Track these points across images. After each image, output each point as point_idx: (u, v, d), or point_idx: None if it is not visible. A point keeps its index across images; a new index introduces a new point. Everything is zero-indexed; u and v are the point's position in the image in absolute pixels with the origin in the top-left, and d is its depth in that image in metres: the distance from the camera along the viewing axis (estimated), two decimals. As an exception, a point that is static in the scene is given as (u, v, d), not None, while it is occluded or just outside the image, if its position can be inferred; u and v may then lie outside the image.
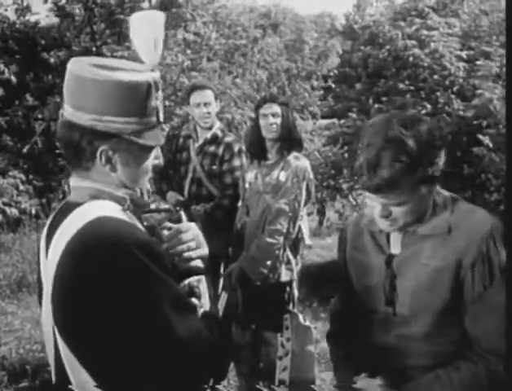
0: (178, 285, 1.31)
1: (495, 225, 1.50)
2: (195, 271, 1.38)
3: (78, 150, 1.30)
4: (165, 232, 1.43)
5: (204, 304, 1.35)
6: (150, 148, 1.37)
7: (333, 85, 11.13)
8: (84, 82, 1.28)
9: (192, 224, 1.45)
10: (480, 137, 6.73)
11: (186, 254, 1.38)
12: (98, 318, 1.19)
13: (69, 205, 1.33)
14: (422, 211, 1.54)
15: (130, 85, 1.29)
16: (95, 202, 1.30)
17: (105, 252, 1.19)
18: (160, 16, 1.46)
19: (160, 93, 1.37)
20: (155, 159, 1.41)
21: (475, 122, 6.90)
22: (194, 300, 1.34)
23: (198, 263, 1.40)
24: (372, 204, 1.54)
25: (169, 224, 1.45)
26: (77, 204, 1.30)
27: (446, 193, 1.61)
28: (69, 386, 1.26)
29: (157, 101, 1.36)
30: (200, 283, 1.38)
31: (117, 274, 1.18)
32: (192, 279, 1.37)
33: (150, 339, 1.20)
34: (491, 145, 6.64)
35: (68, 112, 1.31)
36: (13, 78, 7.88)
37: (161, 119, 1.38)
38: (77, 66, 1.31)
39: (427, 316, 1.54)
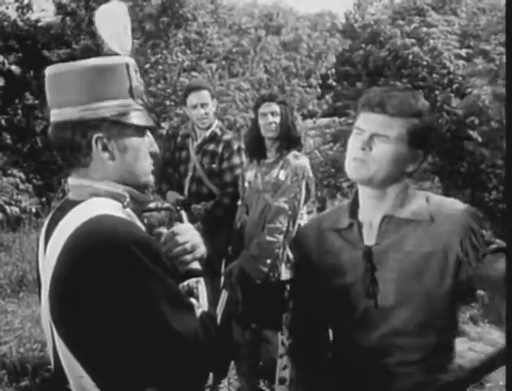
0: (176, 284, 1.31)
1: (471, 209, 1.57)
2: (194, 274, 1.38)
3: (73, 147, 1.31)
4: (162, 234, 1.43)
5: (202, 304, 1.35)
6: (142, 130, 1.38)
7: (334, 83, 11.13)
8: (63, 77, 1.31)
9: (189, 225, 1.45)
10: (470, 132, 6.78)
11: (183, 257, 1.38)
12: (95, 314, 1.19)
13: (69, 203, 1.33)
14: (392, 177, 1.55)
15: (107, 67, 1.32)
16: (94, 200, 1.30)
17: (103, 249, 1.19)
18: (123, 5, 1.48)
19: (139, 75, 1.39)
20: (150, 147, 1.41)
21: (468, 120, 6.94)
22: (192, 300, 1.34)
23: (196, 265, 1.40)
24: (356, 139, 1.54)
25: (162, 229, 1.44)
26: (77, 202, 1.30)
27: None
28: (67, 385, 1.26)
29: (138, 82, 1.37)
30: (199, 283, 1.38)
31: (115, 271, 1.18)
32: (191, 281, 1.37)
33: (147, 336, 1.20)
34: (480, 139, 6.69)
35: (54, 114, 1.34)
36: (14, 68, 7.86)
37: (145, 100, 1.40)
38: (52, 68, 1.35)
39: (412, 306, 1.52)
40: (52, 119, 1.35)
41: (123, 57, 1.37)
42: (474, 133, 6.74)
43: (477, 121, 6.83)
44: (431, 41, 7.99)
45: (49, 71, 1.35)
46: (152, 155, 1.42)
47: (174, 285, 1.28)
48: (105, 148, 1.32)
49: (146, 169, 1.40)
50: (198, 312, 1.31)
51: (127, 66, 1.35)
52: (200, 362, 1.26)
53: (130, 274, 1.19)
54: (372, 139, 1.51)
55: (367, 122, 1.53)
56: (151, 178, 1.43)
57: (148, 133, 1.43)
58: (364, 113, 1.55)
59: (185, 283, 1.36)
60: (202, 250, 1.42)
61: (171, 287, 1.26)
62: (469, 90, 7.07)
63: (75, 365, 1.24)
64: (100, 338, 1.21)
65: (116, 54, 1.40)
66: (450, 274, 1.51)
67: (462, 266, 1.51)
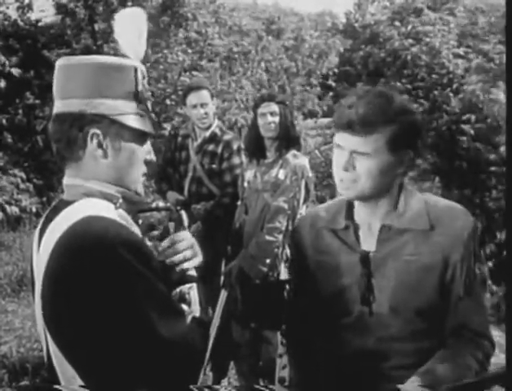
0: (166, 287, 1.29)
1: (474, 221, 1.53)
2: (188, 280, 1.38)
3: (69, 140, 1.31)
4: (155, 237, 1.42)
5: (194, 310, 1.34)
6: (140, 136, 1.37)
7: (334, 84, 11.15)
8: (72, 69, 1.32)
9: (187, 233, 1.44)
10: (463, 127, 6.79)
11: (181, 266, 1.36)
12: (84, 315, 1.19)
13: (62, 203, 1.33)
14: (383, 186, 1.50)
15: (117, 67, 1.33)
16: (86, 200, 1.30)
17: (91, 250, 1.18)
18: (142, 13, 1.49)
19: (146, 82, 1.39)
20: (146, 154, 1.40)
21: (464, 118, 6.96)
22: (184, 306, 1.33)
23: (191, 272, 1.39)
24: (338, 157, 1.49)
25: (156, 232, 1.43)
26: (69, 202, 1.30)
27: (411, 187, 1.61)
28: (56, 386, 1.26)
29: (144, 88, 1.37)
30: (192, 289, 1.37)
31: (103, 273, 1.18)
32: (184, 286, 1.36)
33: (133, 338, 1.19)
34: (472, 132, 6.70)
35: (57, 106, 1.34)
36: (14, 70, 7.86)
37: (149, 107, 1.40)
38: (62, 59, 1.35)
39: (408, 315, 1.50)
40: (55, 110, 1.35)
41: (133, 60, 1.37)
42: (466, 127, 6.75)
43: (473, 118, 6.84)
44: (427, 39, 8.02)
45: (59, 62, 1.35)
46: (147, 163, 1.41)
47: (163, 289, 1.26)
48: (100, 145, 1.31)
49: (137, 176, 1.39)
50: (189, 317, 1.30)
51: (135, 69, 1.35)
52: (189, 366, 1.26)
53: (117, 277, 1.18)
54: (353, 156, 1.46)
55: (343, 140, 1.47)
56: (141, 188, 1.41)
57: (148, 141, 1.42)
58: (338, 132, 1.48)
59: (178, 289, 1.35)
60: (200, 257, 1.41)
61: (160, 290, 1.24)
62: (465, 87, 7.09)
63: (64, 363, 1.24)
64: (89, 339, 1.20)
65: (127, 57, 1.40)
66: (448, 287, 1.50)
67: (456, 282, 1.50)
